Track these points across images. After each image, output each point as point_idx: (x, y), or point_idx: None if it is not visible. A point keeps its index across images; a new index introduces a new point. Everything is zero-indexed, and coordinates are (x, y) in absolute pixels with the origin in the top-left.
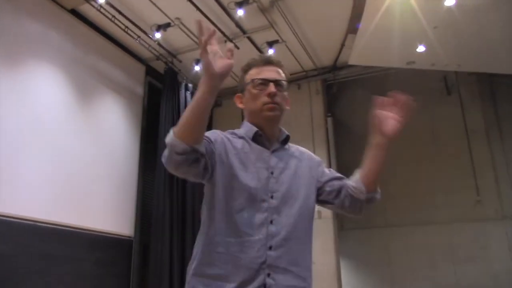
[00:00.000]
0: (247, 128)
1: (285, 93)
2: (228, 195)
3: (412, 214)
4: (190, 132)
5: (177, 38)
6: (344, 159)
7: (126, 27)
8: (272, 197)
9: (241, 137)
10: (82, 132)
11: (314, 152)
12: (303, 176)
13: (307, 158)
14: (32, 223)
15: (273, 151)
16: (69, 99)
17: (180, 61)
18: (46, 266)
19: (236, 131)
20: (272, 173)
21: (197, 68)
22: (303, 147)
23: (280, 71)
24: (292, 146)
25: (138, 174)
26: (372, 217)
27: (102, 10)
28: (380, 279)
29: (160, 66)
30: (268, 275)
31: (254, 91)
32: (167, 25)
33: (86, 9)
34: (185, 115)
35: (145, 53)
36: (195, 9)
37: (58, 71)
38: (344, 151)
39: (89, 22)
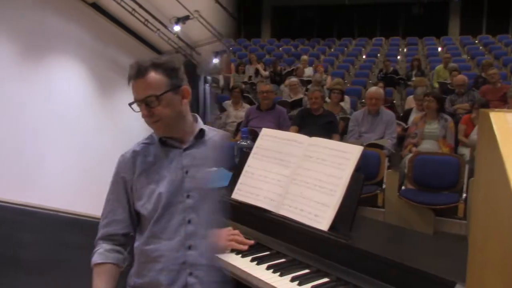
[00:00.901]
0: (154, 135)
1: (165, 100)
2: (145, 209)
3: None
4: None
5: (196, 31)
6: None
7: (146, 20)
8: (188, 196)
9: (153, 143)
10: (102, 125)
11: None
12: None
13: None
14: (54, 213)
15: (186, 149)
16: (89, 91)
17: (199, 54)
18: (68, 255)
19: (149, 136)
20: (187, 172)
21: (215, 61)
22: None
23: (150, 80)
24: (213, 135)
25: None
26: None
27: (122, 3)
28: None
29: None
30: (190, 274)
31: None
32: (186, 17)
33: (107, 3)
34: None
35: (165, 46)
36: (214, 1)
37: (79, 64)
38: None
39: (110, 15)
